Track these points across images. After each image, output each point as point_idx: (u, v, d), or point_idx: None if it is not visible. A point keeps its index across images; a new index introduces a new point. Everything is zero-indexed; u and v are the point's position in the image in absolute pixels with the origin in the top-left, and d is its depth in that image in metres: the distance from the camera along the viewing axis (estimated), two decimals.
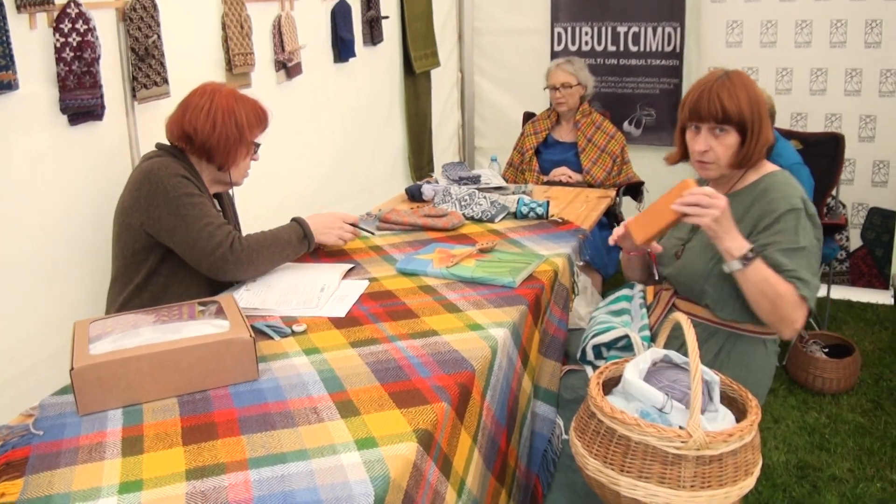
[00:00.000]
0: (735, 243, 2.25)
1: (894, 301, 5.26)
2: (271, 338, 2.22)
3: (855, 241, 5.37)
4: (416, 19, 5.06)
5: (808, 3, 5.09)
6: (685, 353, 1.99)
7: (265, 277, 2.68)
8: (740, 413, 2.02)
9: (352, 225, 3.02)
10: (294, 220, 2.87)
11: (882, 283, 5.39)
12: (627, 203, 4.83)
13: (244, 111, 2.70)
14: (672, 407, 1.93)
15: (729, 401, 2.08)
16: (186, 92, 2.73)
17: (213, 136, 2.63)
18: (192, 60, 3.28)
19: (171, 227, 2.56)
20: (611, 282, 4.63)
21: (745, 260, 2.24)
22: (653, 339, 2.58)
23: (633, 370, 2.03)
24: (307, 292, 2.52)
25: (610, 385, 2.14)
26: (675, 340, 2.33)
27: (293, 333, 2.25)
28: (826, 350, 4.28)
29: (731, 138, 2.39)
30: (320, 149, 4.30)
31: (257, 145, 2.81)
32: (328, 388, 1.92)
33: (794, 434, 3.81)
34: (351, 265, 2.83)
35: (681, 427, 1.85)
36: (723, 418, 1.99)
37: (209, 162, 2.71)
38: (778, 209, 2.30)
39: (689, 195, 2.23)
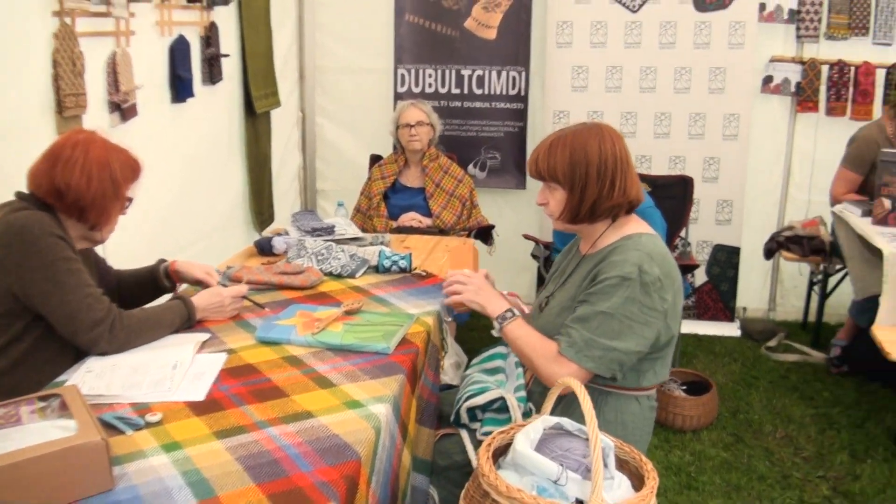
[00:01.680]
0: (494, 309, 2.46)
1: (741, 333, 5.38)
2: (122, 432, 1.90)
3: (700, 276, 5.48)
4: (256, 57, 4.82)
5: (652, 50, 5.20)
6: (561, 415, 2.00)
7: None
8: (633, 476, 1.96)
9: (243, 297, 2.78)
10: (179, 298, 2.62)
11: (728, 315, 5.51)
12: (478, 247, 4.74)
13: (118, 164, 2.42)
14: (567, 478, 1.82)
15: (620, 463, 2.00)
16: (10, 139, 2.45)
17: (87, 194, 2.35)
18: (19, 103, 2.93)
19: (46, 293, 2.27)
20: (464, 328, 4.53)
21: (501, 320, 2.43)
22: (529, 398, 2.51)
23: (524, 440, 1.91)
24: (158, 371, 2.21)
25: (496, 454, 2.00)
26: (540, 397, 2.29)
27: (147, 425, 1.95)
28: (684, 387, 4.29)
29: (560, 194, 2.37)
30: (157, 196, 3.96)
31: (130, 200, 2.52)
32: (197, 496, 1.64)
33: (661, 475, 3.73)
34: (205, 335, 2.53)
35: (579, 500, 1.77)
36: (619, 485, 1.91)
37: (80, 220, 2.42)
38: (609, 273, 2.26)
39: (450, 276, 2.59)
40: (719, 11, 5.09)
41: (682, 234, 4.89)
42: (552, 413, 2.09)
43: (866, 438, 4.15)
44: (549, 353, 2.29)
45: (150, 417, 1.97)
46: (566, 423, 2.00)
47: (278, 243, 3.49)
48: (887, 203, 4.20)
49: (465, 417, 2.48)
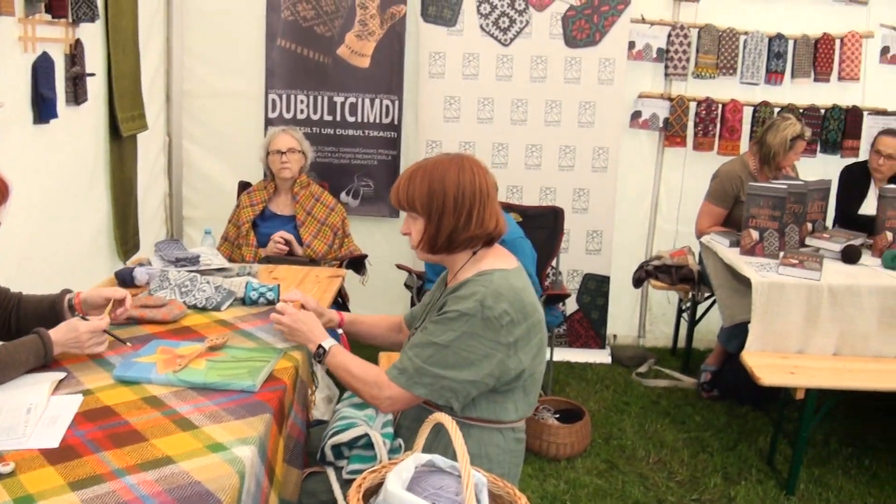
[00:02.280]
0: (310, 345, 2.52)
1: (612, 360, 5.46)
2: None
3: (571, 305, 5.53)
4: (123, 78, 4.62)
5: (524, 83, 5.25)
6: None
7: None
8: None
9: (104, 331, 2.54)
10: (36, 332, 2.39)
11: (599, 343, 5.59)
12: (351, 277, 4.66)
13: None
14: None
15: (494, 498, 1.98)
16: None
17: None
18: None
19: None
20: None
21: (317, 358, 2.50)
22: (397, 433, 2.47)
23: (396, 480, 1.86)
24: (11, 416, 2.03)
25: (367, 495, 1.93)
26: (409, 431, 2.33)
27: None
28: (557, 416, 4.30)
29: (420, 223, 2.38)
30: (15, 224, 3.72)
31: None
32: None
33: None
34: (61, 374, 2.33)
35: None
36: None
37: None
38: (451, 307, 2.29)
39: (278, 308, 2.62)
40: (589, 48, 5.20)
41: (554, 263, 4.93)
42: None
43: (739, 461, 4.26)
44: (373, 378, 2.35)
45: (2, 468, 1.81)
46: (438, 460, 1.96)
47: (140, 274, 3.32)
48: (755, 234, 4.34)
49: (329, 455, 2.42)
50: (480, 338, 2.23)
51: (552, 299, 4.50)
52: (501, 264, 2.38)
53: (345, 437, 2.38)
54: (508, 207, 4.82)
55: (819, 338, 4.08)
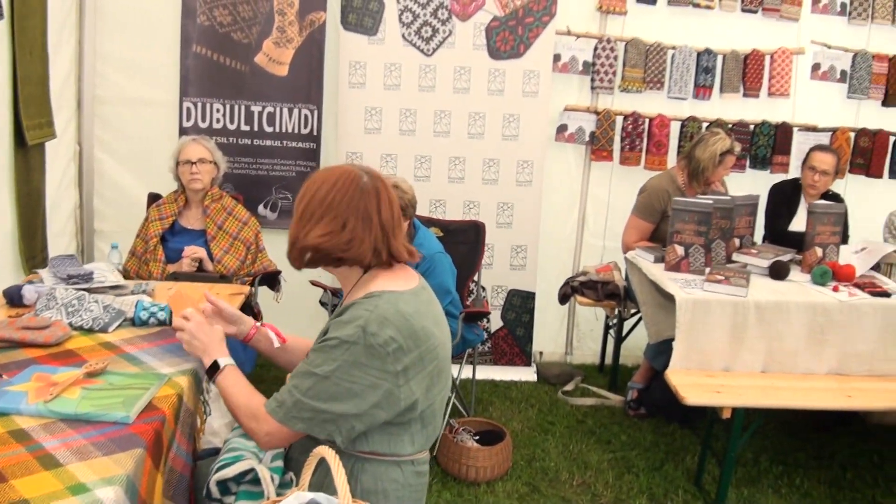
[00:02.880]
0: (205, 361, 2.33)
1: (538, 377, 5.33)
2: None
3: (496, 322, 5.40)
4: (29, 82, 4.36)
5: (447, 94, 5.12)
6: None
7: None
8: None
9: None
10: None
11: (524, 360, 5.46)
12: (264, 293, 4.48)
13: None
14: None
15: None
16: None
17: None
18: None
19: None
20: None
21: (210, 372, 2.31)
22: (287, 466, 2.31)
23: None
24: None
25: None
26: (299, 465, 2.09)
27: None
28: (477, 437, 4.16)
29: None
30: None
31: None
32: None
33: None
34: None
35: None
36: None
37: None
38: (332, 333, 2.11)
39: (185, 314, 2.43)
40: (513, 60, 5.09)
41: (476, 279, 4.79)
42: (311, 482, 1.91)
43: (665, 481, 4.16)
44: (253, 410, 2.16)
45: None
46: (321, 498, 1.81)
47: (28, 293, 3.08)
48: (679, 250, 4.24)
49: (215, 492, 2.24)
50: (364, 367, 2.05)
51: (472, 317, 4.35)
52: (394, 286, 2.19)
53: (230, 471, 2.21)
54: (430, 222, 4.69)
55: (746, 355, 3.99)
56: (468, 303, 4.69)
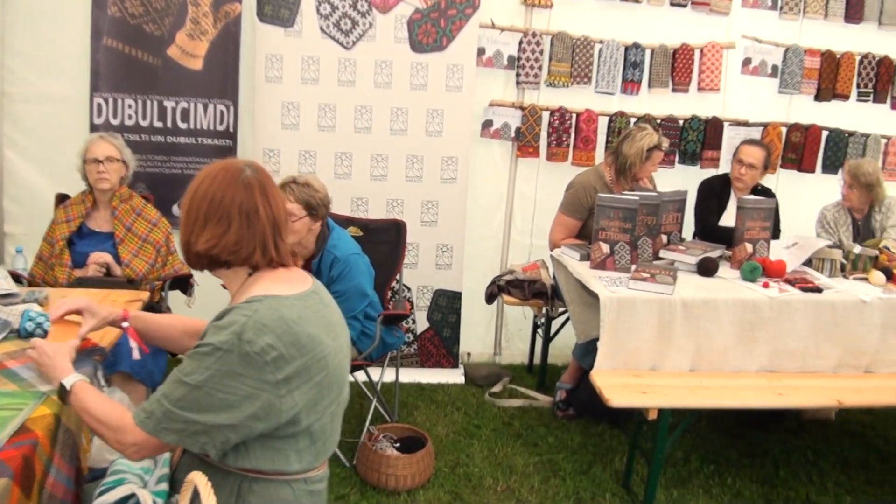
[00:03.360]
0: (56, 381, 2.13)
1: (465, 379, 5.18)
2: None
3: (422, 323, 5.25)
4: None
5: (367, 89, 4.95)
6: None
7: None
8: None
9: None
10: None
11: (451, 362, 5.32)
12: (176, 298, 4.28)
13: None
14: None
15: None
16: None
17: None
18: None
19: None
20: None
21: (61, 396, 2.11)
22: (172, 488, 2.14)
23: None
24: None
25: None
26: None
27: None
28: (398, 444, 4.00)
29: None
30: None
31: None
32: None
33: None
34: None
35: None
36: None
37: None
38: (206, 339, 1.95)
39: (32, 343, 2.28)
40: (436, 53, 4.94)
41: (398, 279, 4.63)
42: None
43: (592, 484, 4.05)
44: (116, 422, 1.97)
45: None
46: None
47: None
48: (605, 248, 4.13)
49: None
50: (239, 376, 1.88)
51: (391, 319, 4.19)
52: (279, 289, 2.03)
53: (111, 497, 2.04)
54: (349, 221, 4.52)
55: (674, 354, 3.91)
56: (389, 305, 4.53)
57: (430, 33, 4.91)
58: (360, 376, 4.29)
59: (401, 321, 4.34)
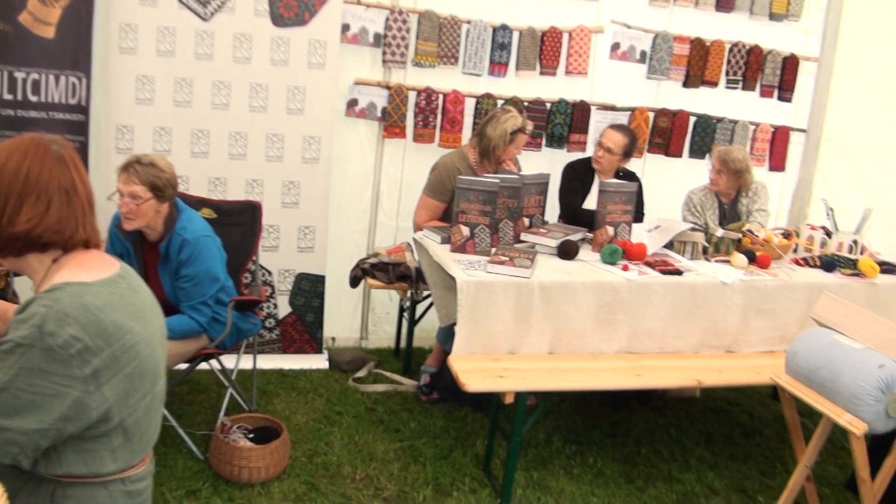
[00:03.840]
0: None
1: (329, 365, 5.06)
2: None
3: (284, 308, 5.10)
4: None
5: (226, 63, 4.73)
6: None
7: None
8: None
9: None
10: None
11: (315, 347, 5.18)
12: (23, 283, 4.02)
13: None
14: None
15: None
16: None
17: None
18: None
19: None
20: None
21: None
22: None
23: None
24: None
25: None
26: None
27: None
28: (252, 435, 3.85)
29: None
30: None
31: None
32: None
33: None
34: None
35: None
36: None
37: None
38: (9, 335, 1.75)
39: None
40: (298, 28, 4.76)
41: (254, 262, 4.46)
42: None
43: (452, 469, 4.00)
44: None
45: None
46: None
47: None
48: (465, 230, 4.06)
49: None
50: (45, 373, 1.70)
51: (244, 305, 4.03)
52: (81, 275, 1.84)
53: None
54: (202, 202, 4.32)
55: (532, 337, 3.87)
56: (246, 289, 4.36)
57: (291, 7, 4.73)
58: (216, 365, 4.13)
59: (255, 307, 4.18)
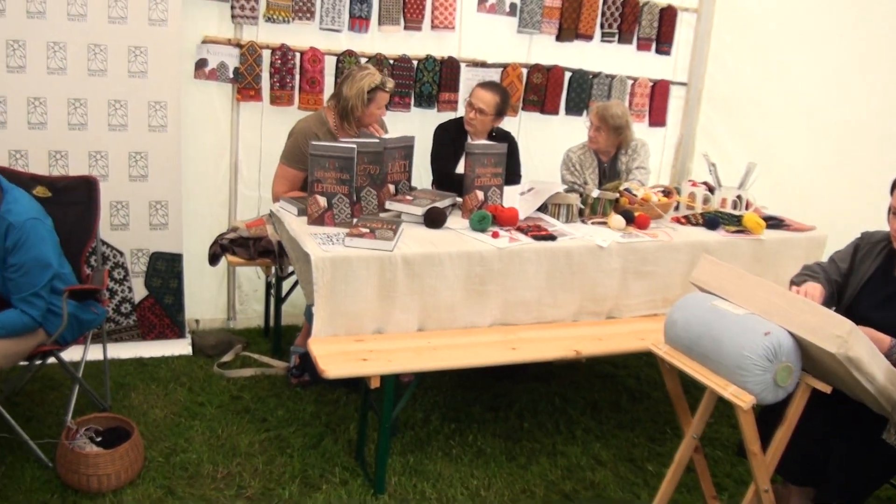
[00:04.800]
0: None
1: (193, 350, 4.71)
2: None
3: (139, 291, 4.70)
4: None
5: (59, 22, 4.23)
6: None
7: None
8: None
9: None
10: None
11: (177, 331, 4.81)
12: None
13: None
14: None
15: None
16: None
17: None
18: None
19: None
20: None
21: None
22: None
23: None
24: None
25: None
26: None
27: None
28: (101, 439, 3.47)
29: None
30: None
31: None
32: None
33: None
34: None
35: None
36: None
37: None
38: None
39: None
40: None
41: (96, 244, 4.03)
42: None
43: (322, 459, 3.74)
44: None
45: None
46: None
47: None
48: (322, 201, 3.74)
49: None
50: None
51: (78, 295, 3.62)
52: None
53: None
54: (34, 180, 3.86)
55: (399, 314, 3.61)
56: (88, 274, 3.94)
57: None
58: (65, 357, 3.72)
59: (94, 296, 3.78)
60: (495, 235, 3.80)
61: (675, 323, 3.01)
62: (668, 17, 6.00)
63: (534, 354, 3.64)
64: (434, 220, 3.85)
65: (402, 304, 3.58)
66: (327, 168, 3.67)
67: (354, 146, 3.68)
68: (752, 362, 2.67)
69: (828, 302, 3.24)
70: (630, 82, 6.03)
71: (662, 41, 6.05)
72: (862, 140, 4.98)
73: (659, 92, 6.15)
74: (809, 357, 2.77)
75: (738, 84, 6.03)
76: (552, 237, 3.89)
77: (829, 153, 5.22)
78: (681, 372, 3.00)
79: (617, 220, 4.21)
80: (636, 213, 4.28)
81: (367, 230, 3.52)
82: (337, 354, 3.32)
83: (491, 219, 3.91)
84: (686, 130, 6.41)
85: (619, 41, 5.91)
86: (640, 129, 5.68)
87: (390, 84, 4.35)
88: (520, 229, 3.95)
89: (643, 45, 6.02)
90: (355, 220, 3.71)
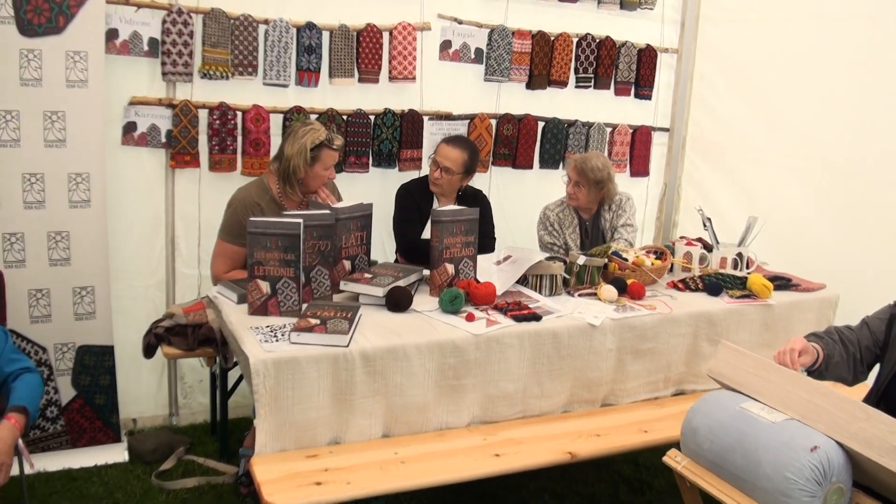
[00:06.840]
0: None
1: (129, 457, 4.13)
2: None
3: (67, 391, 4.09)
4: None
5: None
6: None
7: None
8: None
9: None
10: None
11: (112, 435, 4.24)
12: None
13: None
14: None
15: None
16: None
17: None
18: None
19: None
20: None
21: None
22: None
23: None
24: None
25: None
26: None
27: None
28: None
29: None
30: None
31: None
32: None
33: None
34: None
35: None
36: None
37: None
38: None
39: None
40: (52, 37, 3.74)
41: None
42: None
43: None
44: None
45: None
46: None
47: None
48: (264, 287, 3.17)
49: None
50: None
51: None
52: None
53: None
54: None
55: (360, 420, 3.04)
56: None
57: (42, 11, 3.71)
58: None
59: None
60: (470, 318, 3.26)
61: (695, 431, 2.47)
62: (647, 59, 5.55)
63: (521, 461, 3.06)
64: (397, 302, 3.30)
65: (362, 409, 3.00)
66: (269, 248, 3.10)
67: (300, 221, 3.11)
68: (799, 487, 2.14)
69: (850, 368, 2.75)
70: (609, 130, 5.58)
71: (642, 84, 5.61)
72: (871, 181, 4.53)
73: (640, 139, 5.70)
74: (860, 470, 2.24)
75: (725, 126, 5.59)
76: (536, 317, 3.35)
77: (832, 197, 4.76)
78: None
79: (608, 290, 3.69)
80: (629, 281, 3.77)
81: (318, 321, 2.95)
82: (285, 478, 2.74)
83: (464, 297, 3.36)
84: (670, 180, 5.95)
85: (596, 86, 5.47)
86: (621, 180, 5.25)
87: (338, 141, 3.84)
88: (498, 308, 3.41)
89: (621, 90, 5.57)
90: (304, 307, 3.14)
